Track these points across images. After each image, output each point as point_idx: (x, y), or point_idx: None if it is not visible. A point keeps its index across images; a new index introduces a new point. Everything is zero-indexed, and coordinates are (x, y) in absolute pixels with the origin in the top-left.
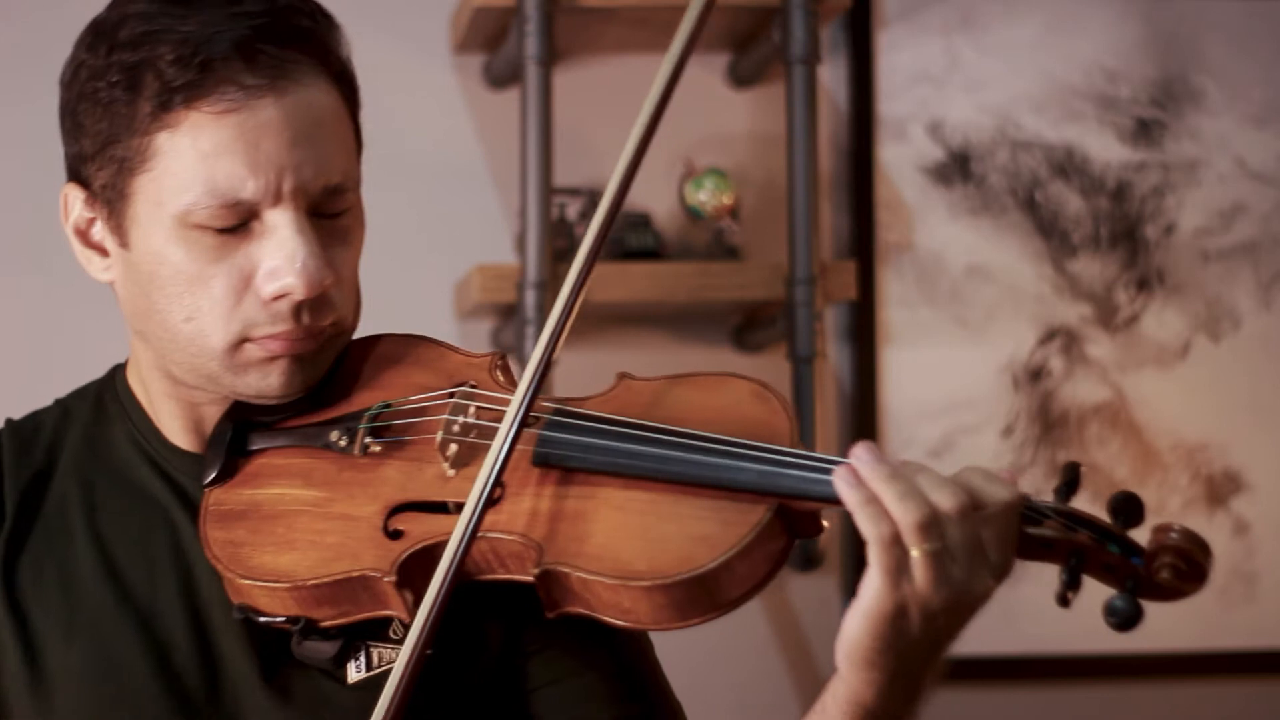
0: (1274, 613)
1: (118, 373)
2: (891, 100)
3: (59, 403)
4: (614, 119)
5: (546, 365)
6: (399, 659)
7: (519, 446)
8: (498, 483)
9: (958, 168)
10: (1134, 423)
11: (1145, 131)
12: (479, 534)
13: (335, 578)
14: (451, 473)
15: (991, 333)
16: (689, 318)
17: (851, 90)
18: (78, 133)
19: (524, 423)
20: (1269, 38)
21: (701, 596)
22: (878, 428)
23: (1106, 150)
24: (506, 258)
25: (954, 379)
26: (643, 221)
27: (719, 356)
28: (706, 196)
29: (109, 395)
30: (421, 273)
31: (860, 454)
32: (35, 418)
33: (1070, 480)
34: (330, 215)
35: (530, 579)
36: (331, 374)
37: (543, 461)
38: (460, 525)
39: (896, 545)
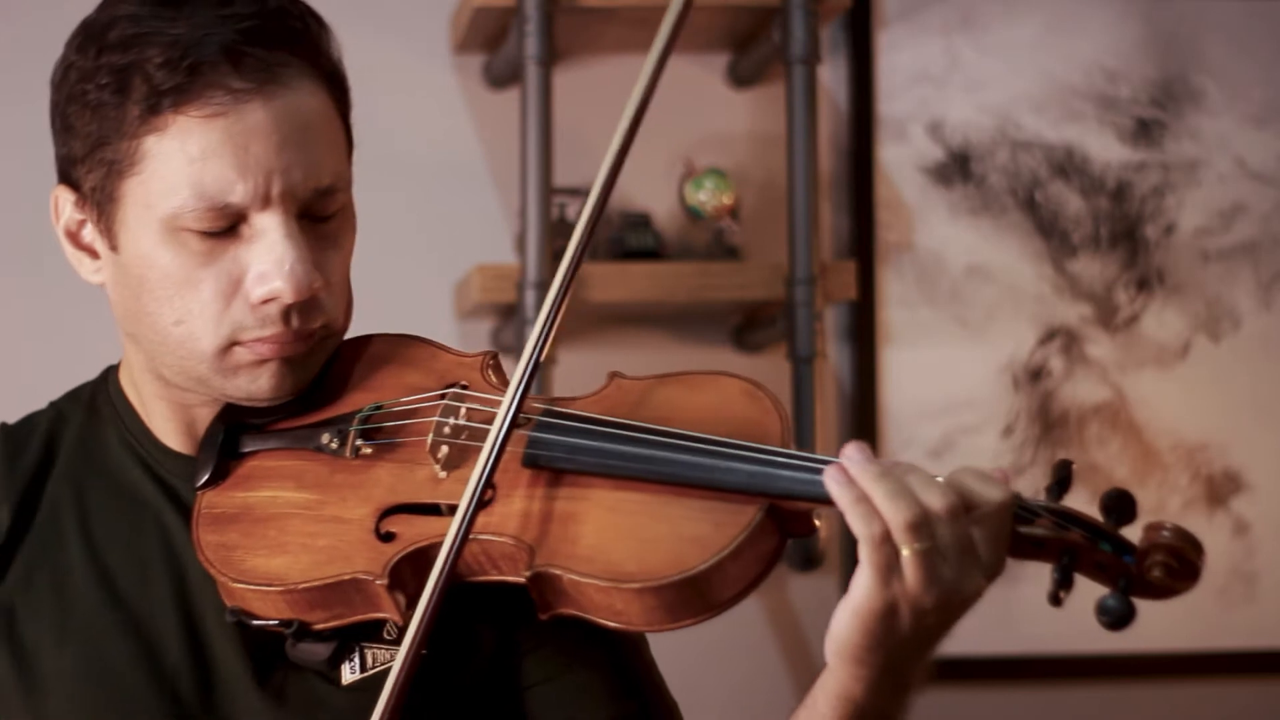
0: (1274, 613)
1: (110, 374)
2: (891, 100)
3: (53, 405)
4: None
5: (535, 367)
6: (394, 665)
7: (509, 448)
8: (488, 485)
9: (958, 168)
10: (1134, 423)
11: (1145, 131)
12: (470, 537)
13: (327, 581)
14: (443, 475)
15: (991, 333)
16: (689, 318)
17: (851, 90)
18: (67, 135)
19: (514, 424)
20: (1269, 38)
21: (693, 598)
22: (878, 428)
23: (1106, 150)
24: (506, 258)
25: (954, 379)
26: (643, 221)
27: (719, 356)
28: (706, 196)
29: (101, 397)
30: (421, 273)
31: (851, 453)
32: (30, 421)
33: (1062, 479)
34: (321, 218)
35: (522, 580)
36: (323, 375)
37: (533, 463)
38: (453, 528)
39: (887, 544)
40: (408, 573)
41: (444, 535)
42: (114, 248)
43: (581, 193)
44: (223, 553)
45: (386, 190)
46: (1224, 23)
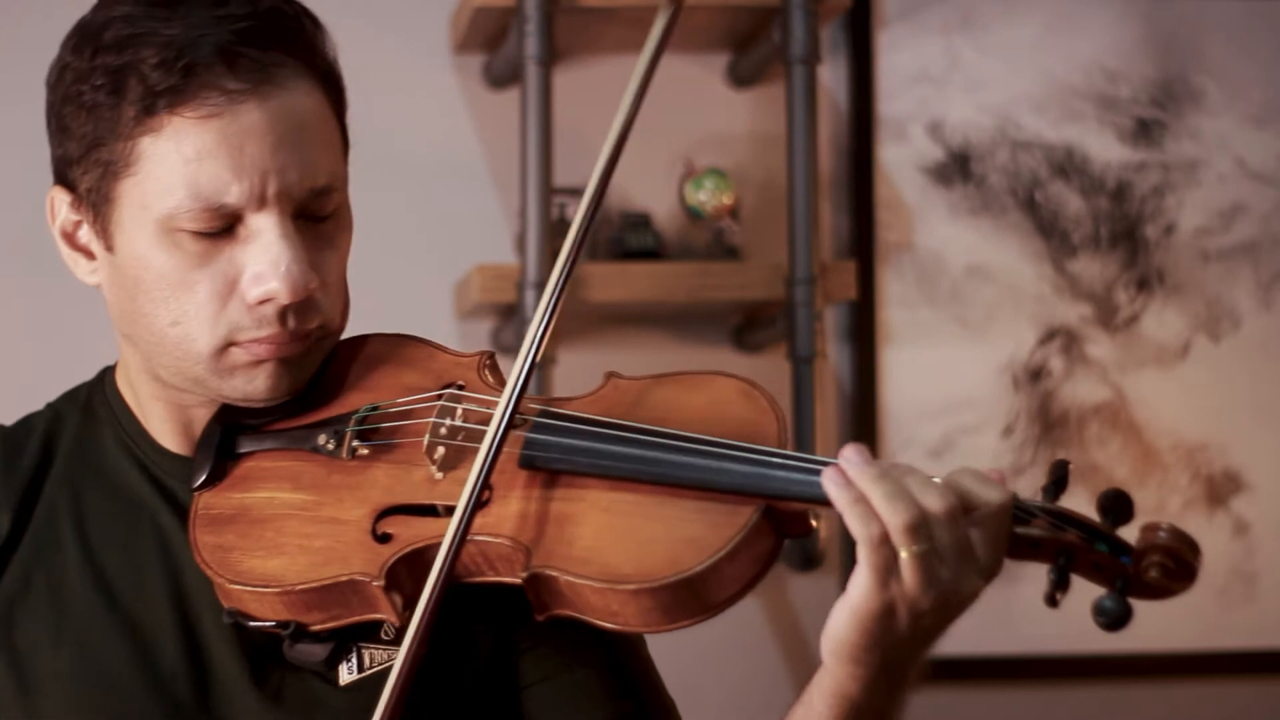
0: (1274, 613)
1: (107, 375)
2: (891, 100)
3: (50, 406)
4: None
5: (530, 368)
6: (394, 667)
7: (506, 449)
8: (485, 486)
9: (958, 168)
10: (1134, 423)
11: (1145, 131)
12: (467, 537)
13: (324, 582)
14: (439, 476)
15: (991, 333)
16: (689, 318)
17: (851, 90)
18: (63, 135)
19: (510, 425)
20: (1269, 38)
21: (689, 599)
22: (878, 428)
23: (1106, 150)
24: (506, 258)
25: (954, 379)
26: (643, 221)
27: (719, 356)
28: (706, 196)
29: (98, 398)
30: (421, 273)
31: (849, 455)
32: (27, 422)
33: (1059, 479)
34: (317, 217)
35: (519, 581)
36: (320, 375)
37: (529, 464)
38: (451, 529)
39: (885, 545)
40: (404, 574)
41: (441, 536)
42: (110, 248)
43: (581, 193)
44: (219, 554)
45: (386, 190)
46: (1224, 23)
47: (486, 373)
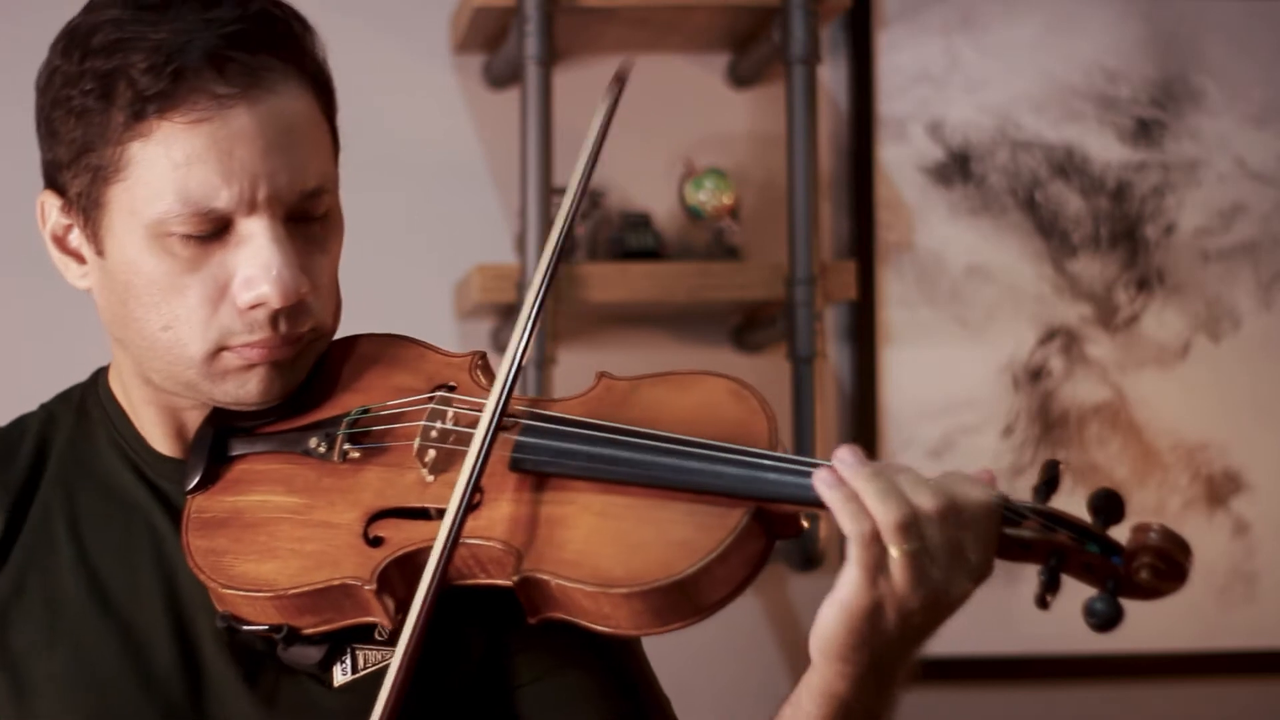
0: (1274, 613)
1: (100, 376)
2: (891, 100)
3: (44, 407)
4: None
5: (516, 372)
6: (387, 677)
7: (497, 452)
8: (476, 489)
9: (958, 168)
10: (1134, 423)
11: (1145, 131)
12: (459, 541)
13: (316, 586)
14: (430, 479)
15: (991, 333)
16: (689, 318)
17: (851, 90)
18: (52, 140)
19: (499, 428)
20: (1269, 38)
21: (681, 602)
22: (878, 428)
23: (1106, 150)
24: (506, 258)
25: (954, 379)
26: (643, 221)
27: (719, 356)
28: (706, 196)
29: (91, 399)
30: (421, 273)
31: (843, 455)
32: (21, 424)
33: (1049, 479)
34: (308, 219)
35: (510, 584)
36: (312, 376)
37: (519, 467)
38: (442, 533)
39: (876, 543)
40: (396, 577)
41: (432, 540)
42: (100, 253)
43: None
44: (212, 558)
45: (386, 190)
46: (1224, 23)
47: (478, 373)
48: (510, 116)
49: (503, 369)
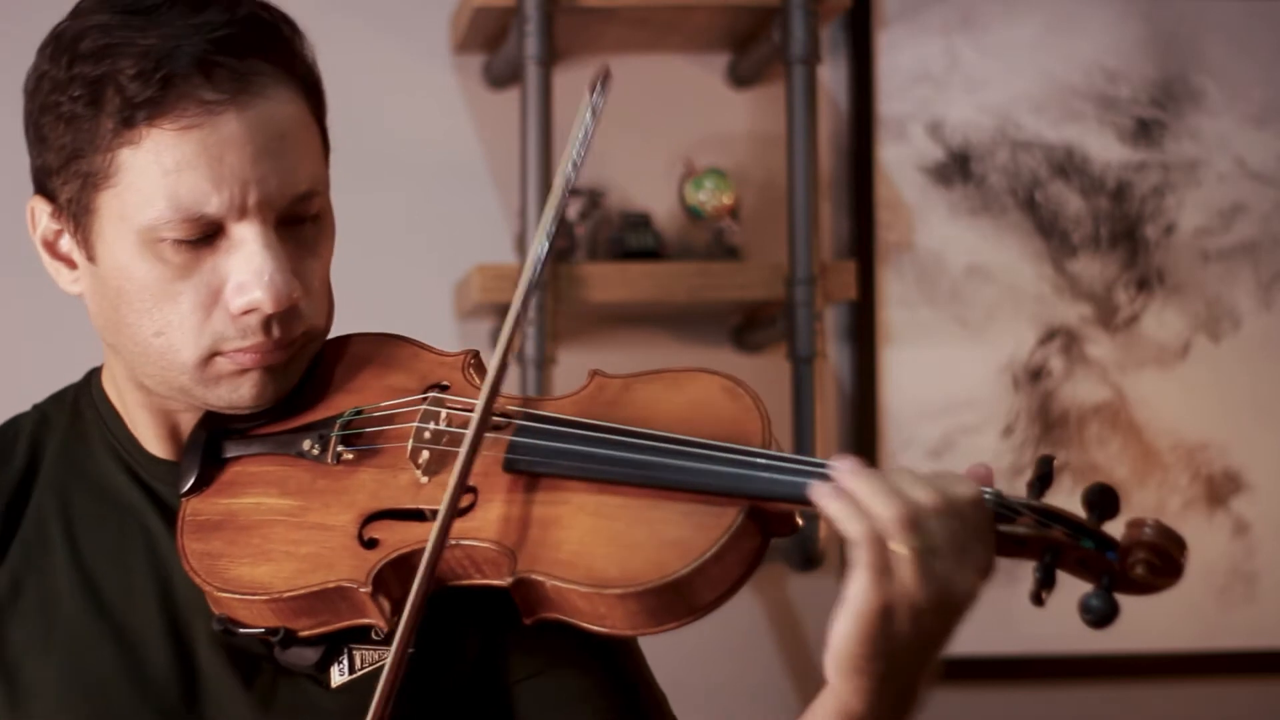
0: (1274, 613)
1: (93, 377)
2: (891, 100)
3: (37, 408)
4: (614, 119)
5: (502, 372)
6: (380, 680)
7: (490, 452)
8: (469, 490)
9: (958, 168)
10: (1134, 423)
11: (1145, 131)
12: (452, 542)
13: (312, 589)
14: (424, 480)
15: (991, 333)
16: (689, 318)
17: (851, 90)
18: (42, 146)
19: (490, 429)
20: (1269, 38)
21: (676, 602)
22: (878, 428)
23: (1106, 150)
24: (506, 258)
25: (954, 379)
26: (643, 221)
27: (719, 356)
28: (706, 196)
29: (85, 400)
30: (421, 273)
31: (839, 465)
32: (14, 425)
33: (1043, 475)
34: (300, 221)
35: (505, 585)
36: (305, 377)
37: (512, 468)
38: (433, 535)
39: (879, 543)
40: (391, 579)
41: (426, 541)
42: (91, 259)
43: (582, 193)
44: (207, 561)
45: (387, 190)
46: (1224, 23)
47: (472, 372)
48: (510, 116)
49: (490, 371)
